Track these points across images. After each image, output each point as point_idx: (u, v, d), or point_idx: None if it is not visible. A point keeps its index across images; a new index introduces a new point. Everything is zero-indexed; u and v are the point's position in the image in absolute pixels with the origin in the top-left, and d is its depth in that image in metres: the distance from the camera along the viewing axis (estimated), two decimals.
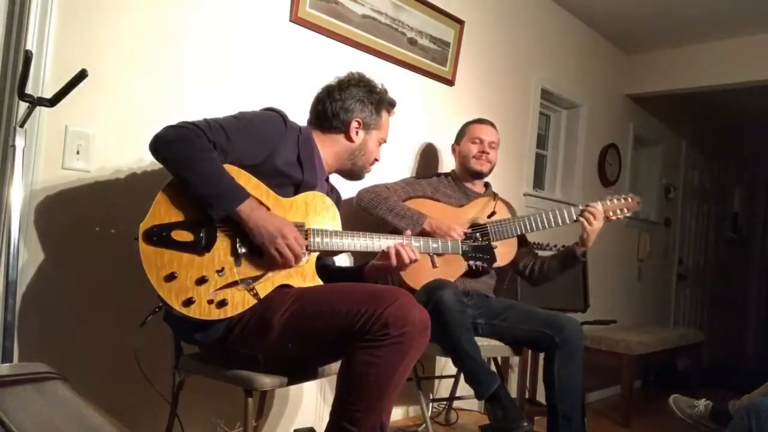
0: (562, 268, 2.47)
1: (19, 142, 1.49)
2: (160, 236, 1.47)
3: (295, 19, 2.31)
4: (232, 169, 1.57)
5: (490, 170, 2.59)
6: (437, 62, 2.91)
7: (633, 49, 4.40)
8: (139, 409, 1.87)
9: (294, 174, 1.68)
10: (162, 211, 1.50)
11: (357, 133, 1.85)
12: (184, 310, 1.47)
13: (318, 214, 1.71)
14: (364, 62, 2.56)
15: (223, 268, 1.52)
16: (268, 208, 1.61)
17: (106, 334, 1.83)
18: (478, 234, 2.15)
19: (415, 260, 1.75)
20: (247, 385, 1.58)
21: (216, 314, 1.50)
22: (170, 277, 1.46)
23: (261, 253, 1.56)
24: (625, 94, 4.51)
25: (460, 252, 1.91)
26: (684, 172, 5.46)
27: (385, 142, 1.94)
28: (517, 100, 3.48)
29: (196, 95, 2.04)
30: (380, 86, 1.90)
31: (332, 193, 1.91)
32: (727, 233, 6.52)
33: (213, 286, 1.51)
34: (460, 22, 2.96)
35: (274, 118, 1.71)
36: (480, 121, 2.61)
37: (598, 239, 2.24)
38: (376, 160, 1.94)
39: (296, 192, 1.69)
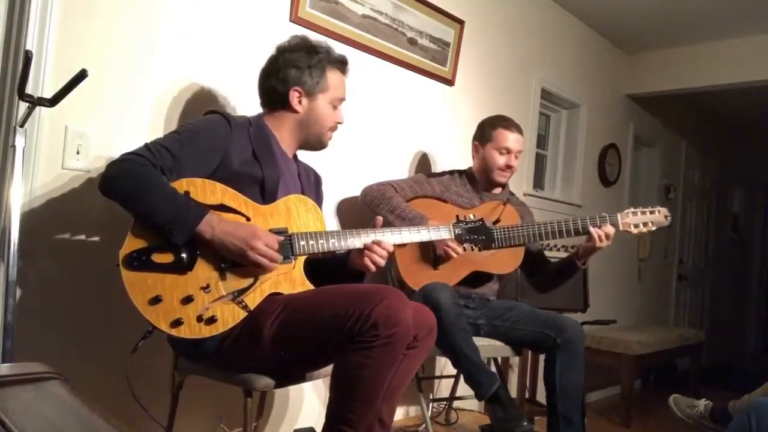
0: (562, 277, 2.41)
1: (19, 142, 1.48)
2: (140, 261, 1.44)
3: (295, 19, 2.31)
4: (206, 184, 1.54)
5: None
6: (437, 62, 2.91)
7: (633, 49, 4.40)
8: (138, 409, 1.86)
9: (254, 172, 1.63)
10: (139, 235, 1.46)
11: (300, 102, 1.74)
12: (173, 332, 1.44)
13: (300, 217, 1.67)
14: (364, 62, 2.56)
15: (208, 285, 1.49)
16: (248, 218, 1.57)
17: (106, 334, 1.83)
18: (472, 215, 1.96)
19: (389, 251, 1.67)
20: (247, 385, 1.58)
21: (207, 331, 1.47)
22: (155, 300, 1.43)
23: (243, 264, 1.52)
24: (625, 94, 4.51)
25: (453, 236, 1.83)
26: (684, 172, 5.46)
27: (342, 101, 1.81)
28: (517, 100, 3.48)
29: (196, 95, 2.04)
30: (323, 45, 1.77)
31: (308, 174, 1.86)
32: (727, 233, 6.52)
33: (200, 303, 1.47)
34: (460, 22, 2.96)
35: (217, 121, 1.64)
36: (509, 126, 2.43)
37: None
38: (339, 123, 1.81)
39: (262, 190, 1.64)
